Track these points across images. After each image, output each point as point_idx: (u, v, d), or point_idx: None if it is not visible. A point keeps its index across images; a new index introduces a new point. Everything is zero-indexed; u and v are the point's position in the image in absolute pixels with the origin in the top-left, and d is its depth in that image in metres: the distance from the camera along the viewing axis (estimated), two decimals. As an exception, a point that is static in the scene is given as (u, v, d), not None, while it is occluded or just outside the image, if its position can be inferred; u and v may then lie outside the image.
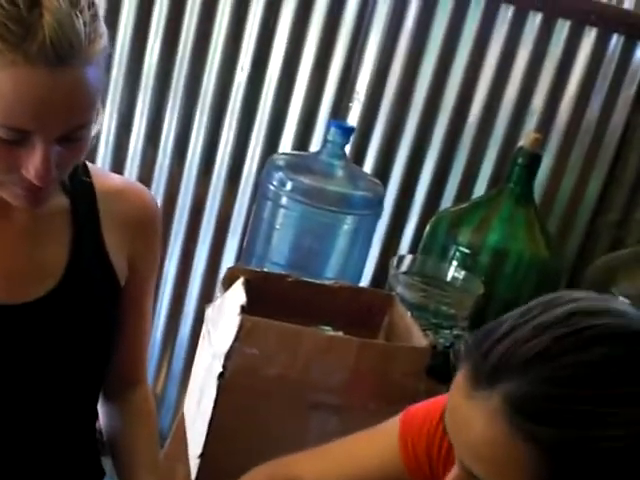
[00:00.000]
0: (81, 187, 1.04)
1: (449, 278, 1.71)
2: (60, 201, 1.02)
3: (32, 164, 0.84)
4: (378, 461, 1.00)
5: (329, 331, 1.27)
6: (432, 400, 0.97)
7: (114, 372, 1.13)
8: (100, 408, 1.17)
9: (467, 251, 1.76)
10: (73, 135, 0.86)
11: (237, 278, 1.26)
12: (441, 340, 1.58)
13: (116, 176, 1.14)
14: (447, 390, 1.64)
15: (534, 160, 1.78)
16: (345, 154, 1.77)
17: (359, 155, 2.04)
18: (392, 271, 1.66)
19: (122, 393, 1.16)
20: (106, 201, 1.05)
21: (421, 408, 0.98)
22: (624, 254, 1.91)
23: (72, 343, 1.03)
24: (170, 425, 2.38)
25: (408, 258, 1.74)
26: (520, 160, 1.76)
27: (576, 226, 2.12)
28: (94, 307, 1.05)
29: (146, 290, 1.16)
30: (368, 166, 2.06)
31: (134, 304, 1.13)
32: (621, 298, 1.79)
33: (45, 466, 1.07)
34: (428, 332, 1.49)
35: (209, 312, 1.31)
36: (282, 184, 1.73)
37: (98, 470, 1.17)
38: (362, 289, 1.57)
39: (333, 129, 1.73)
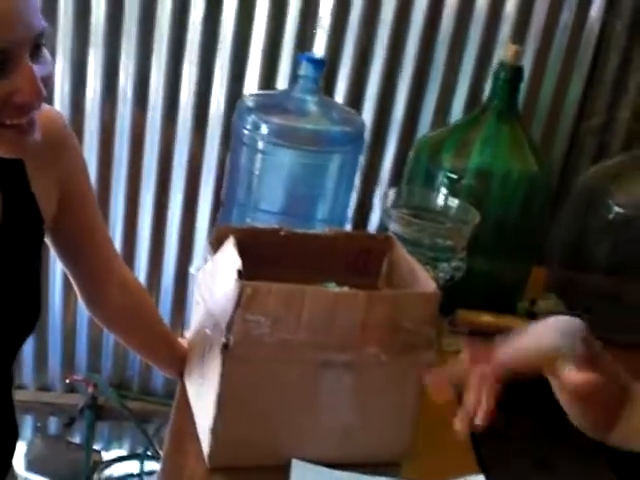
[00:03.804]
0: None
1: (440, 207, 1.64)
2: None
3: (20, 82, 0.85)
4: None
5: (333, 287, 1.21)
6: None
7: (94, 279, 1.24)
8: (98, 316, 1.30)
9: (454, 176, 1.69)
10: (38, 51, 0.88)
11: (225, 237, 1.18)
12: (441, 274, 1.53)
13: None
14: (449, 322, 1.60)
15: (516, 73, 1.69)
16: (318, 88, 1.67)
17: (328, 87, 1.94)
18: (383, 207, 1.59)
19: (111, 287, 1.26)
20: None
21: None
22: (614, 163, 1.85)
23: (4, 300, 1.04)
24: (163, 382, 2.36)
25: (394, 191, 1.66)
26: (502, 75, 1.67)
27: (559, 135, 2.06)
28: (24, 264, 1.07)
29: (90, 202, 1.20)
30: (339, 98, 1.97)
31: (85, 220, 1.19)
32: (617, 208, 1.75)
33: None
34: (427, 268, 1.44)
35: (200, 277, 1.24)
36: (256, 127, 1.64)
37: (13, 430, 1.21)
38: (358, 234, 1.50)
39: (304, 63, 1.63)
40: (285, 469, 1.15)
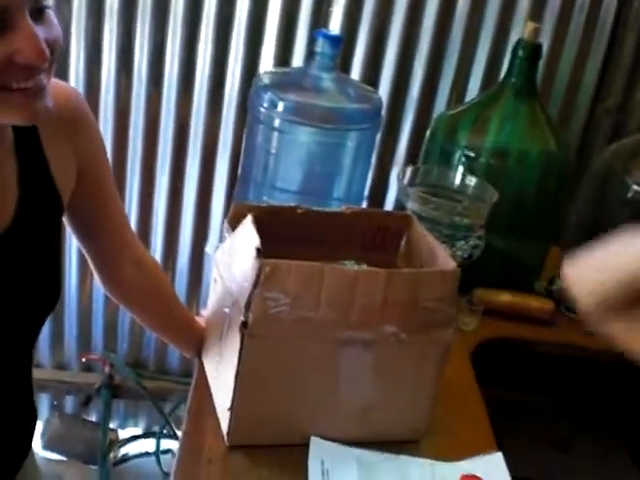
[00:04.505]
0: None
1: (457, 186, 1.63)
2: (9, 135, 1.00)
3: (21, 42, 0.82)
4: None
5: (352, 265, 1.20)
6: None
7: (110, 256, 1.24)
8: (114, 294, 1.30)
9: (471, 154, 1.68)
10: (42, 14, 0.86)
11: (243, 216, 1.18)
12: (459, 253, 1.52)
13: None
14: (466, 301, 1.58)
15: (535, 51, 1.67)
16: (335, 66, 1.65)
17: (345, 65, 1.93)
18: (400, 185, 1.57)
19: (126, 265, 1.26)
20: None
21: None
22: (632, 142, 1.83)
23: (25, 280, 1.03)
24: (179, 361, 2.36)
25: (411, 169, 1.65)
26: (521, 52, 1.66)
27: (576, 113, 2.05)
28: (44, 243, 1.06)
29: (107, 180, 1.19)
30: (355, 74, 1.96)
31: (102, 198, 1.18)
32: (635, 186, 1.73)
33: None
34: (445, 246, 1.43)
35: (218, 255, 1.23)
36: (273, 105, 1.63)
37: (33, 412, 1.22)
38: (376, 212, 1.49)
39: (321, 40, 1.61)
40: (304, 447, 1.15)
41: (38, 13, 0.85)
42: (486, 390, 1.40)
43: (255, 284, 1.05)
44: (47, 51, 0.84)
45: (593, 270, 0.77)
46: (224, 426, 1.16)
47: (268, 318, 1.07)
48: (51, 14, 0.88)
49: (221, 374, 1.18)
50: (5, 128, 1.00)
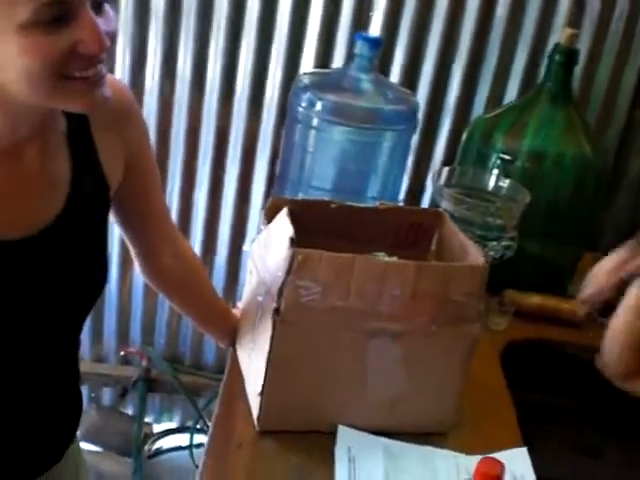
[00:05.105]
0: None
1: (491, 187, 1.65)
2: (62, 125, 1.04)
3: (83, 32, 0.86)
4: None
5: (383, 257, 1.23)
6: None
7: (151, 245, 1.29)
8: (152, 281, 1.34)
9: (507, 157, 1.70)
10: (101, 7, 0.90)
11: (279, 209, 1.21)
12: (491, 253, 1.54)
13: None
14: (497, 302, 1.60)
15: (571, 56, 1.69)
16: (374, 67, 1.68)
17: (384, 67, 1.96)
18: (434, 185, 1.60)
19: (166, 255, 1.30)
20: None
21: None
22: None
23: (74, 267, 1.06)
24: (215, 357, 2.40)
25: (447, 170, 1.67)
26: (557, 57, 1.68)
27: (614, 120, 2.05)
28: (92, 232, 1.09)
29: (152, 173, 1.24)
30: (394, 78, 1.98)
31: (147, 191, 1.23)
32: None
33: (32, 394, 1.11)
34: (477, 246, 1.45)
35: (254, 247, 1.27)
36: (311, 105, 1.66)
37: (78, 398, 1.25)
38: (409, 209, 1.52)
39: (360, 42, 1.64)
40: (332, 435, 1.18)
41: (97, 6, 0.89)
42: (513, 392, 1.41)
43: (288, 272, 1.09)
44: (107, 42, 0.89)
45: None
46: (255, 411, 1.19)
47: (299, 306, 1.10)
48: (108, 8, 0.92)
49: (253, 361, 1.22)
50: (59, 118, 1.03)
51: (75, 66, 0.88)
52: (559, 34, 1.84)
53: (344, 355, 1.16)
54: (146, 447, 2.45)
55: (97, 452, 2.39)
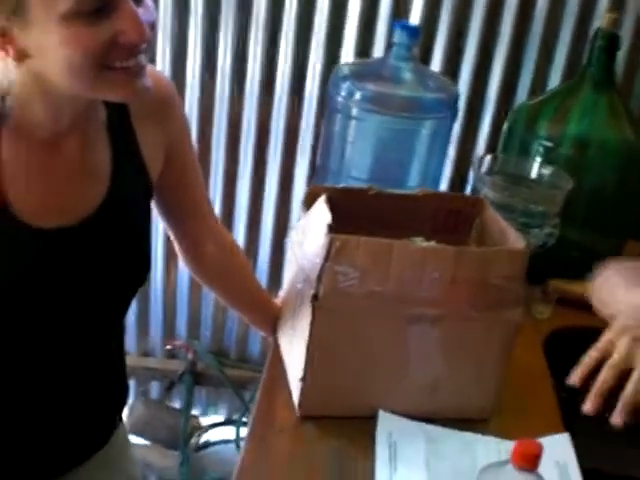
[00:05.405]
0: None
1: (534, 175, 1.63)
2: (102, 115, 1.05)
3: (124, 23, 0.87)
4: None
5: (421, 242, 1.22)
6: None
7: (193, 236, 1.30)
8: (196, 272, 1.37)
9: (550, 144, 1.68)
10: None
11: (318, 197, 1.21)
12: (533, 240, 1.52)
13: None
14: (541, 291, 1.58)
15: (613, 41, 1.66)
16: (413, 56, 1.68)
17: (425, 56, 1.95)
18: (476, 173, 1.59)
19: (208, 245, 1.32)
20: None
21: None
22: None
23: (117, 255, 1.08)
24: (260, 350, 2.41)
25: (489, 158, 1.66)
26: (599, 42, 1.65)
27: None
28: (134, 220, 1.11)
29: (193, 165, 1.25)
30: (435, 66, 1.98)
31: (188, 183, 1.24)
32: None
33: (79, 385, 1.13)
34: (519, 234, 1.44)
35: (293, 235, 1.27)
36: (350, 94, 1.66)
37: (124, 382, 1.28)
38: (448, 195, 1.51)
39: (399, 30, 1.64)
40: (373, 420, 1.18)
41: None
42: (556, 380, 1.39)
43: (326, 258, 1.09)
44: (148, 32, 0.90)
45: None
46: (295, 397, 1.20)
47: (338, 292, 1.10)
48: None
49: (294, 347, 1.22)
50: (99, 108, 1.05)
51: (116, 56, 0.89)
52: (601, 19, 1.82)
53: (383, 340, 1.15)
54: (193, 440, 2.47)
55: (145, 445, 2.43)
